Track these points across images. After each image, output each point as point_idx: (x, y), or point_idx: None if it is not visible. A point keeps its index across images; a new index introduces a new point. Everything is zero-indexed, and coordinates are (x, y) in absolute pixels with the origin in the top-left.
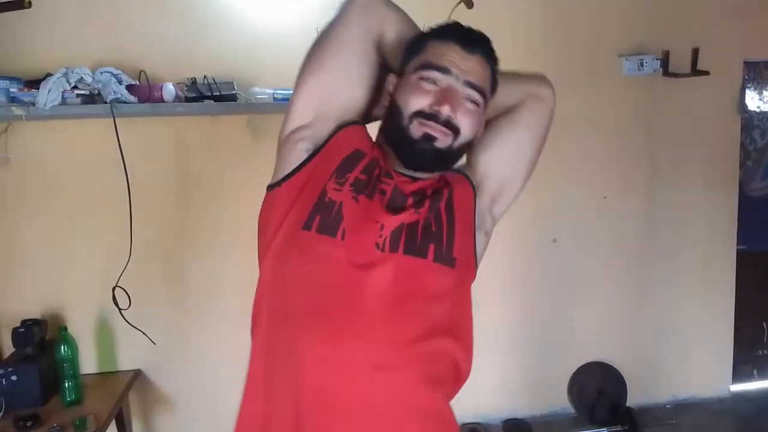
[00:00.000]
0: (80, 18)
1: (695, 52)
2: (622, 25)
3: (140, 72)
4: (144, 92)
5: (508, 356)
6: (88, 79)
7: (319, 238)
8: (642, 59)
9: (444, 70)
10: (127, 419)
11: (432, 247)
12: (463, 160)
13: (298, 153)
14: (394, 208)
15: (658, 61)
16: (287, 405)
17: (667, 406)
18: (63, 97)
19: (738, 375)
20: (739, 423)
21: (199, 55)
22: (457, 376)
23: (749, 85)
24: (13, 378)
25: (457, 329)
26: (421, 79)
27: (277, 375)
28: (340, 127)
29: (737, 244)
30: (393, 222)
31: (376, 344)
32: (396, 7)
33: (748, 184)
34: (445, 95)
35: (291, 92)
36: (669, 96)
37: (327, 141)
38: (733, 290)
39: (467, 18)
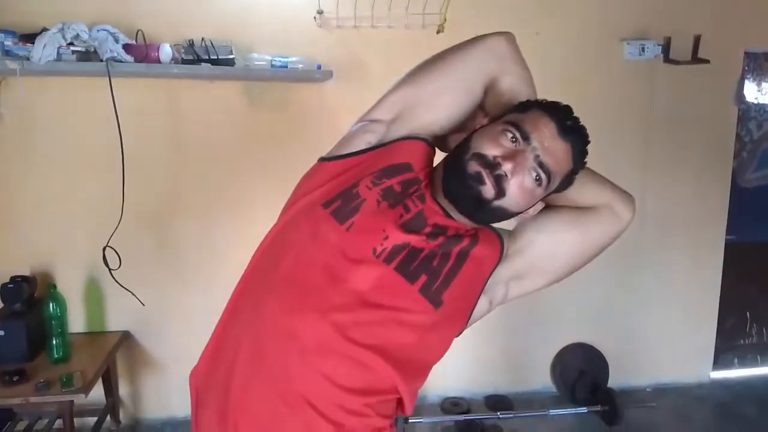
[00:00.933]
0: None
1: (697, 40)
2: (625, 9)
3: (137, 31)
4: (140, 52)
5: (493, 335)
6: (85, 36)
7: (329, 219)
8: (644, 44)
9: (526, 138)
10: (113, 379)
11: (423, 278)
12: (510, 226)
13: (361, 142)
14: (409, 228)
15: (660, 47)
16: (230, 354)
17: (648, 390)
18: (58, 53)
19: (719, 363)
20: (717, 409)
21: (199, 17)
22: (396, 404)
23: (748, 76)
24: (1, 333)
25: (408, 365)
26: (503, 131)
27: (235, 324)
28: (408, 138)
29: (726, 234)
30: (399, 238)
31: (330, 331)
32: (521, 64)
33: (741, 175)
34: (513, 155)
35: (289, 61)
36: (668, 82)
37: (389, 143)
38: (719, 279)
39: None
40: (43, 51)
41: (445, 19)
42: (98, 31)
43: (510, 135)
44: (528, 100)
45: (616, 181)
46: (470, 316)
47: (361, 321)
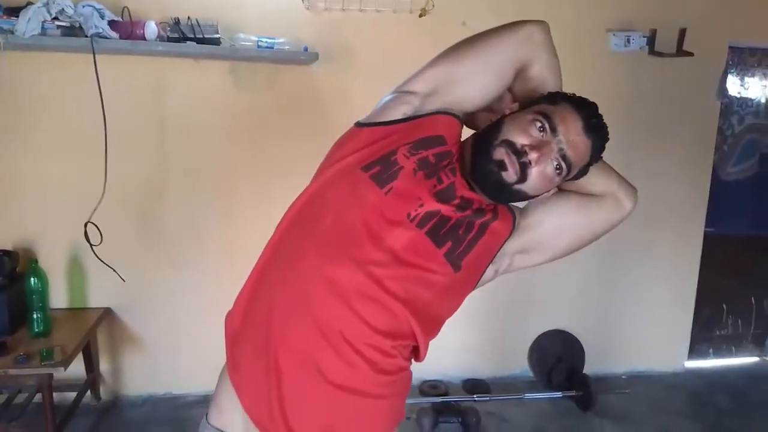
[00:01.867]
0: None
1: (682, 33)
2: (612, 0)
3: (123, 8)
4: (126, 29)
5: (472, 320)
6: (70, 11)
7: (369, 182)
8: (629, 36)
9: (554, 130)
10: (94, 355)
11: (449, 244)
12: (521, 204)
13: (397, 112)
14: (442, 198)
15: (645, 39)
16: (270, 297)
17: (623, 377)
18: (43, 28)
19: (694, 352)
20: (690, 397)
21: None
22: (414, 352)
23: (732, 70)
24: None
25: (426, 318)
26: (533, 120)
27: (274, 271)
28: (442, 112)
29: (705, 226)
30: (432, 206)
31: (366, 280)
32: (553, 53)
33: (722, 168)
34: (539, 145)
35: (275, 42)
36: (653, 74)
37: (424, 116)
38: (697, 270)
39: None
40: (27, 25)
41: (433, 5)
42: (84, 6)
43: (539, 125)
44: (559, 93)
45: None
46: (479, 281)
47: (393, 276)
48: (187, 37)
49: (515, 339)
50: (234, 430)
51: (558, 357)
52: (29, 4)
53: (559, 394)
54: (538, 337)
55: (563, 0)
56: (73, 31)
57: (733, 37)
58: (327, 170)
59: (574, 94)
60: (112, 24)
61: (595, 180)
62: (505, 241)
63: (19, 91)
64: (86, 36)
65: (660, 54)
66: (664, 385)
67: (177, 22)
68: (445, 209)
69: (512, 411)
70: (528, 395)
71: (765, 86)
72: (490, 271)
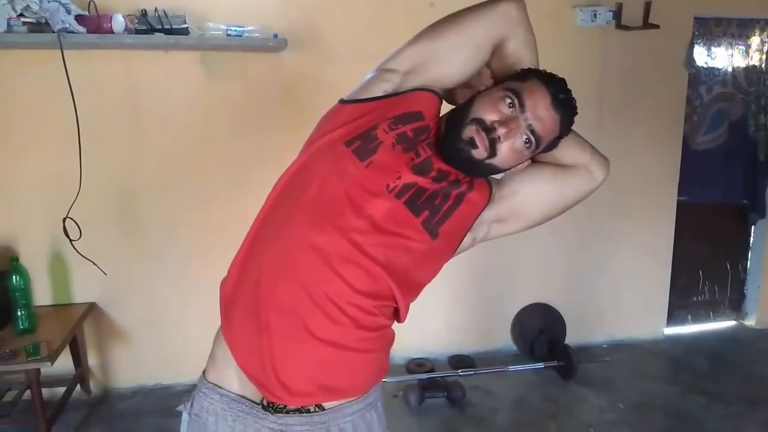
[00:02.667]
0: None
1: (647, 6)
2: None
3: (90, 2)
4: (93, 23)
5: (455, 297)
6: (35, 7)
7: (351, 156)
8: (596, 11)
9: (522, 105)
10: (81, 349)
11: (426, 213)
12: (498, 175)
13: (378, 89)
14: (419, 170)
15: (612, 13)
16: (259, 261)
17: (604, 346)
18: (8, 25)
19: (673, 319)
20: (670, 362)
21: None
22: (396, 313)
23: (698, 41)
24: None
25: (405, 281)
26: (503, 97)
27: (263, 238)
28: (421, 89)
29: (678, 195)
30: (410, 178)
31: (348, 246)
32: (529, 30)
33: (692, 138)
34: (508, 121)
35: (244, 30)
36: (620, 48)
37: (404, 92)
38: (672, 239)
39: None
40: None
41: None
42: (49, 2)
43: (508, 101)
44: (529, 69)
45: None
46: (457, 248)
47: (373, 242)
48: (155, 28)
49: (498, 314)
50: (229, 384)
51: (540, 329)
52: None
53: (541, 365)
54: (520, 311)
55: None
56: (40, 27)
57: (697, 8)
58: (313, 144)
59: (544, 70)
60: (79, 18)
61: (567, 152)
62: (482, 211)
63: None
64: (53, 32)
65: (627, 28)
66: (644, 353)
67: (144, 13)
68: (422, 181)
69: (496, 383)
70: (512, 367)
71: (731, 55)
72: (467, 239)
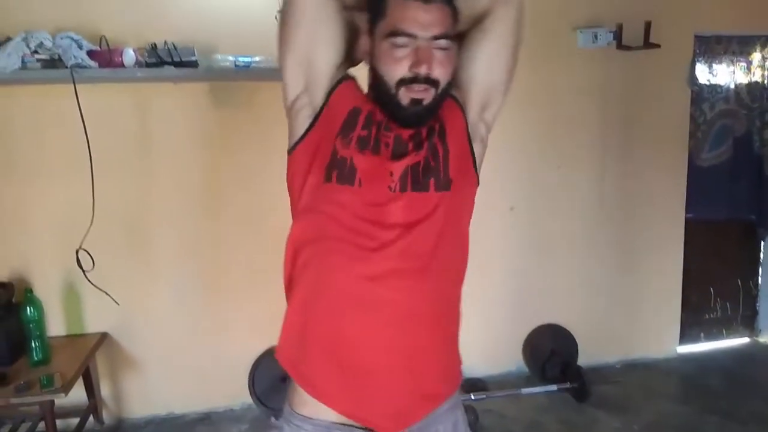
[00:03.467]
0: None
1: (648, 26)
2: None
3: (101, 37)
4: (104, 57)
5: (466, 319)
6: (49, 44)
7: (341, 187)
8: (596, 32)
9: (408, 35)
10: (94, 379)
11: (432, 181)
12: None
13: (303, 120)
14: (399, 155)
15: (612, 34)
16: (323, 321)
17: (617, 366)
18: (23, 62)
19: (685, 337)
20: (684, 382)
21: (161, 20)
22: (459, 275)
23: (699, 59)
24: None
25: (457, 223)
26: (393, 46)
27: (316, 302)
28: (333, 87)
29: (686, 212)
30: (399, 167)
31: (395, 257)
32: None
33: (697, 155)
34: (418, 57)
35: (252, 60)
36: (622, 68)
37: (324, 104)
38: (681, 257)
39: None
40: (7, 60)
41: None
42: (62, 38)
43: (401, 43)
44: None
45: (575, 165)
46: (475, 166)
47: (412, 240)
48: (164, 61)
49: (509, 336)
50: (325, 415)
51: (551, 350)
52: (8, 39)
53: (554, 388)
54: (531, 332)
55: (530, 2)
56: (53, 62)
57: (697, 26)
58: (299, 204)
59: None
60: (90, 53)
61: (470, 3)
62: (466, 121)
63: (3, 124)
64: (66, 67)
65: (628, 48)
66: (657, 372)
67: (154, 47)
68: (409, 160)
69: (510, 407)
70: (524, 390)
71: (733, 72)
72: (477, 147)
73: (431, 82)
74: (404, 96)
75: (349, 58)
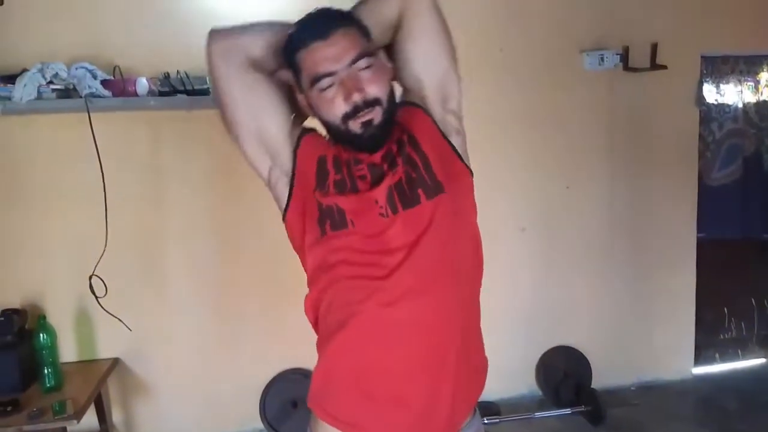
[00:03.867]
0: (56, 13)
1: (654, 47)
2: (583, 21)
3: (114, 67)
4: (118, 87)
5: None
6: (64, 75)
7: (337, 233)
8: (602, 54)
9: (327, 74)
10: (106, 405)
11: (420, 191)
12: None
13: (282, 188)
14: (377, 181)
15: (618, 56)
16: (349, 347)
17: (632, 388)
18: (39, 92)
19: (701, 358)
20: (700, 403)
21: (173, 50)
22: (476, 270)
23: (707, 79)
24: None
25: (461, 221)
26: (321, 90)
27: (338, 334)
28: (296, 146)
29: (697, 232)
30: (382, 192)
31: (413, 279)
32: (243, 29)
33: (707, 174)
34: (346, 88)
35: None
36: (629, 90)
37: (294, 165)
38: (694, 277)
39: None
40: (23, 90)
41: None
42: (76, 68)
43: (326, 85)
44: (288, 54)
45: (584, 186)
46: (460, 157)
47: (419, 257)
48: (177, 90)
49: (521, 358)
50: None
51: (564, 373)
52: (24, 70)
53: (568, 411)
54: (543, 354)
55: (533, 23)
56: (68, 92)
57: (704, 47)
58: (306, 264)
59: (290, 35)
60: (104, 83)
61: (380, 13)
62: (431, 117)
63: (17, 153)
64: (80, 96)
65: (634, 70)
66: (673, 394)
67: (167, 76)
68: (388, 181)
69: (523, 431)
70: (538, 414)
71: (741, 92)
72: (455, 139)
73: (371, 102)
74: (354, 126)
75: (299, 114)
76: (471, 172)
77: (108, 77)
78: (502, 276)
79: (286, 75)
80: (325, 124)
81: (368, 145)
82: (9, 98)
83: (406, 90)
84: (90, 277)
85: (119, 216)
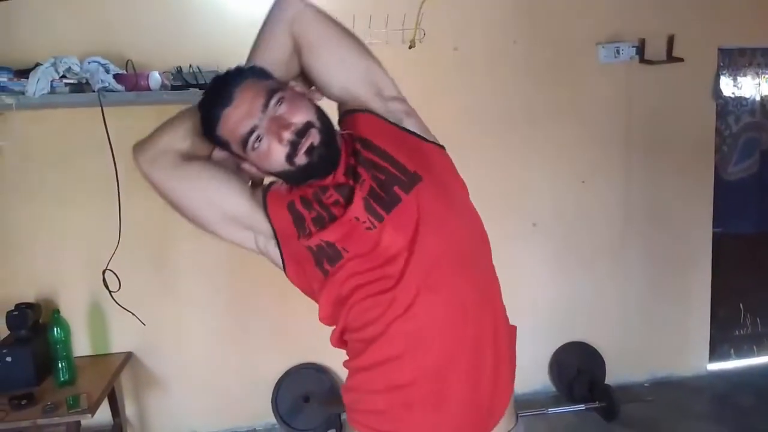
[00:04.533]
0: (68, 7)
1: (670, 40)
2: (598, 13)
3: (127, 61)
4: (131, 81)
5: None
6: (76, 69)
7: (337, 267)
8: (618, 47)
9: (250, 132)
10: (119, 399)
11: (396, 189)
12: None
13: (273, 250)
14: (348, 198)
15: (634, 49)
16: (380, 362)
17: (645, 384)
18: (52, 86)
19: (716, 354)
20: (715, 400)
21: (185, 44)
22: (485, 237)
23: (724, 72)
24: (8, 359)
25: (450, 200)
26: (253, 149)
27: (365, 351)
28: (264, 209)
29: (713, 227)
30: (357, 206)
31: (414, 278)
32: (159, 131)
33: (723, 168)
34: (273, 132)
35: None
36: (645, 83)
37: (274, 228)
38: (710, 272)
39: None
40: (37, 85)
41: (423, 34)
42: (89, 63)
43: (255, 141)
44: (209, 136)
45: (599, 181)
46: (422, 137)
47: (420, 254)
48: (190, 84)
49: (534, 354)
50: None
51: (578, 369)
52: (38, 65)
53: (582, 407)
54: (557, 350)
55: (549, 17)
56: (81, 87)
57: (721, 39)
58: (321, 305)
59: (201, 117)
60: (117, 77)
61: (276, 46)
62: (378, 115)
63: (31, 146)
64: (93, 91)
65: (650, 62)
66: (687, 390)
67: (179, 70)
68: (359, 193)
69: (537, 427)
70: (551, 410)
71: (758, 85)
72: (409, 123)
73: (304, 129)
74: (300, 159)
75: (253, 179)
76: (441, 146)
77: (121, 72)
78: (515, 272)
79: (219, 154)
80: (277, 174)
81: (322, 168)
82: (23, 93)
83: (340, 102)
84: (103, 272)
85: (132, 210)
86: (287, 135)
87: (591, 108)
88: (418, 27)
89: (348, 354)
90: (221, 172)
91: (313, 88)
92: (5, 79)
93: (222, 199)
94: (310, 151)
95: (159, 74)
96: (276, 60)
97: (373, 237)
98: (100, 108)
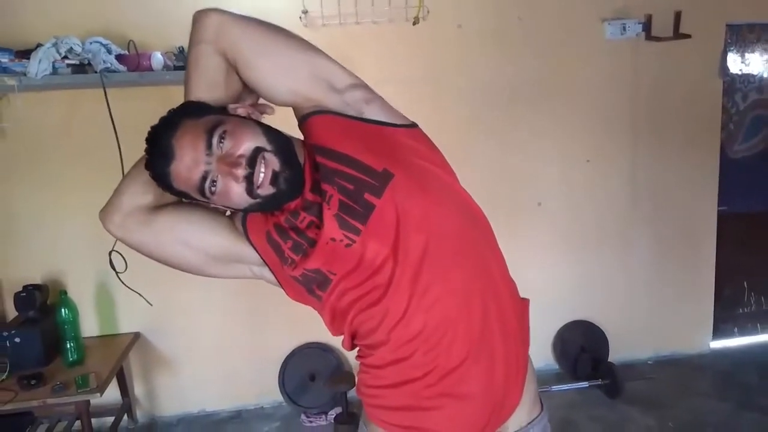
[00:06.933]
0: None
1: (677, 16)
2: None
3: (129, 41)
4: (133, 61)
5: None
6: (78, 49)
7: (328, 292)
8: (624, 23)
9: (203, 179)
10: (128, 379)
11: (367, 195)
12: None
13: (269, 275)
14: (320, 218)
15: (641, 25)
16: (404, 366)
17: (649, 362)
18: (53, 67)
19: (719, 332)
20: (718, 378)
21: (188, 24)
22: (476, 214)
23: (731, 48)
24: (17, 340)
25: (430, 187)
26: (212, 193)
27: (409, 352)
28: (247, 237)
29: (718, 205)
30: (330, 225)
31: (404, 284)
32: (117, 192)
33: (730, 147)
34: (226, 171)
35: None
36: (652, 59)
37: (261, 256)
38: (714, 250)
39: None
40: (38, 66)
41: (427, 11)
42: (91, 43)
43: (211, 186)
44: (164, 187)
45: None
46: (386, 123)
47: (408, 254)
48: None
49: (538, 333)
50: None
51: (581, 347)
52: (39, 45)
53: (585, 384)
54: (561, 328)
55: None
56: (83, 67)
57: (729, 15)
58: (325, 317)
59: (152, 174)
60: (119, 58)
61: (210, 73)
62: (337, 113)
63: (34, 128)
64: (96, 71)
65: (657, 39)
66: (690, 368)
67: (182, 50)
68: (329, 211)
69: None
70: (555, 387)
71: (766, 61)
72: (369, 113)
73: (254, 157)
74: (265, 190)
75: (232, 216)
76: (410, 125)
77: (123, 52)
78: (519, 251)
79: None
80: (244, 210)
81: (289, 192)
82: (24, 74)
83: (294, 107)
84: (110, 253)
85: None
86: (240, 171)
87: (596, 85)
88: (422, 5)
89: (358, 354)
90: (195, 212)
91: (261, 100)
92: (6, 61)
93: (201, 241)
94: (275, 178)
95: (161, 54)
96: (212, 82)
97: (355, 252)
98: (102, 89)
